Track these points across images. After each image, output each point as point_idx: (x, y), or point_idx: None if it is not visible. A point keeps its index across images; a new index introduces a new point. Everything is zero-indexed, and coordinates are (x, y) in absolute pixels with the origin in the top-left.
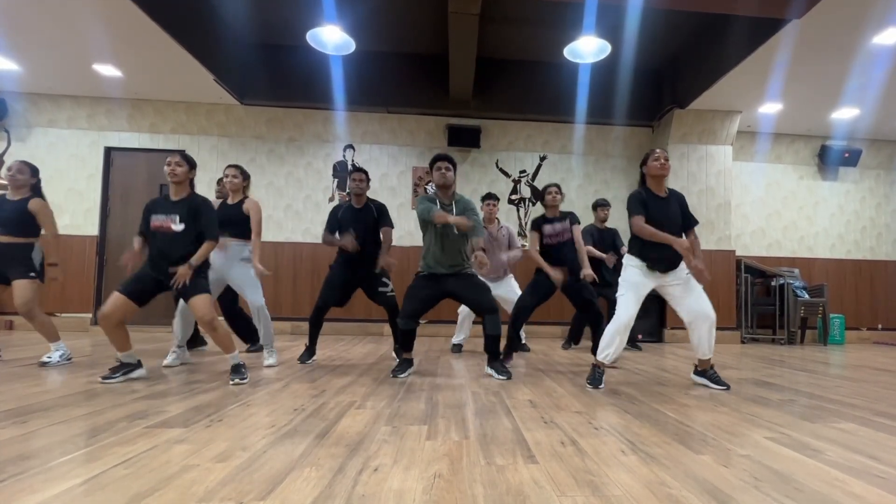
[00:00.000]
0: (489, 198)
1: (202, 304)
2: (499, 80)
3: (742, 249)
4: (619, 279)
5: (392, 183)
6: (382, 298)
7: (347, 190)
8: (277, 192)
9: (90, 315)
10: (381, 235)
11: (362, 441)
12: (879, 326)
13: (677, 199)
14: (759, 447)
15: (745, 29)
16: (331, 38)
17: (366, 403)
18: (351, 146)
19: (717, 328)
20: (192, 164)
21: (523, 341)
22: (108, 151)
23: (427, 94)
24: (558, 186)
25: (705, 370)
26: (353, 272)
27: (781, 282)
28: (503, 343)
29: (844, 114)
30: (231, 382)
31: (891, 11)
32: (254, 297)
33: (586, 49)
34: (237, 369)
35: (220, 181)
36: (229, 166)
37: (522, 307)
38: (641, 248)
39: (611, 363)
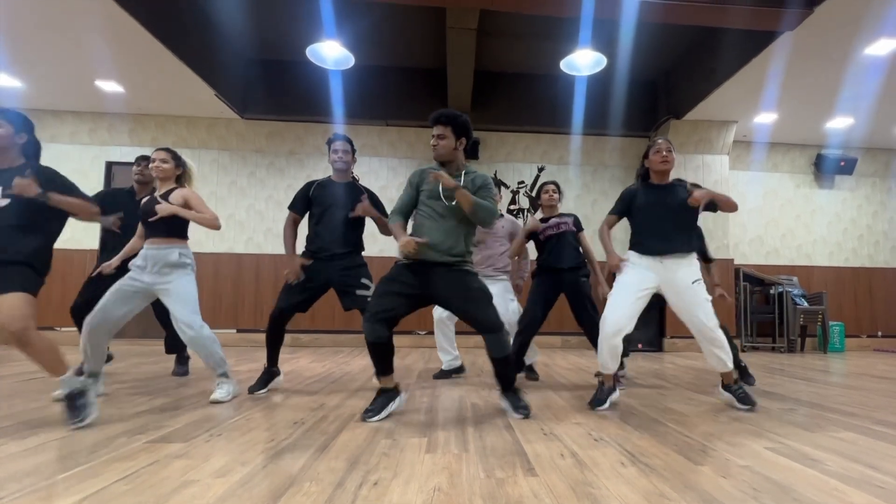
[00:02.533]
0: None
1: (13, 304)
2: (497, 93)
3: (740, 258)
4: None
5: (392, 195)
6: (363, 303)
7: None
8: (278, 205)
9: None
10: (379, 229)
11: (362, 454)
12: (879, 333)
13: (685, 189)
14: (759, 458)
15: (739, 41)
16: (330, 53)
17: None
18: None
19: None
20: (19, 125)
21: (532, 361)
22: (110, 166)
23: (426, 107)
24: (557, 185)
25: (728, 385)
26: (325, 266)
27: (780, 290)
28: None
29: (839, 123)
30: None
31: (881, 23)
32: (185, 314)
33: (582, 62)
34: (72, 403)
35: (137, 161)
36: (158, 149)
37: (531, 321)
38: (635, 237)
39: (615, 376)
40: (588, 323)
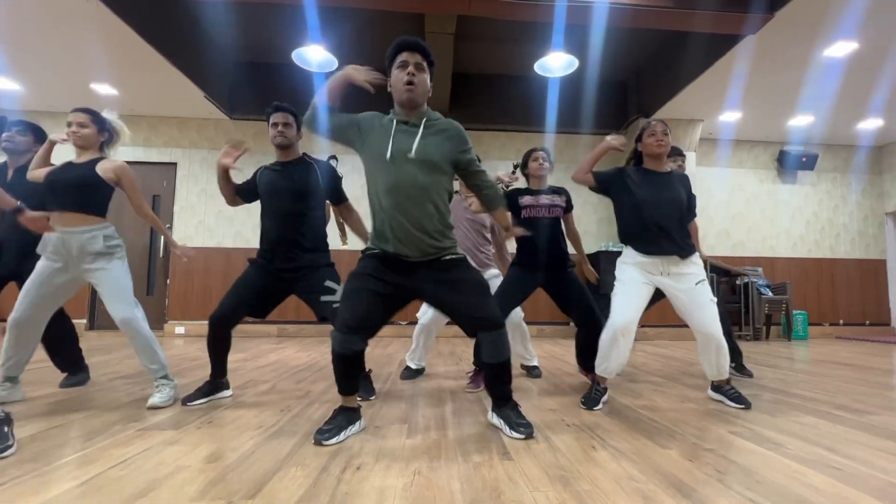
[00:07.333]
0: None
1: None
2: (474, 94)
3: (708, 250)
4: (615, 279)
5: None
6: (327, 310)
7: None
8: None
9: (84, 321)
10: (342, 217)
11: (345, 441)
12: (841, 322)
13: (681, 181)
14: (724, 441)
15: (704, 44)
16: (315, 56)
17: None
18: (334, 156)
19: (687, 325)
20: None
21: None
22: None
23: None
24: (547, 152)
25: (720, 386)
26: (279, 269)
27: (746, 280)
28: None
29: (800, 121)
30: None
31: (838, 27)
32: (119, 308)
33: (555, 64)
34: None
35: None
36: (76, 110)
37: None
38: (625, 230)
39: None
40: (592, 321)
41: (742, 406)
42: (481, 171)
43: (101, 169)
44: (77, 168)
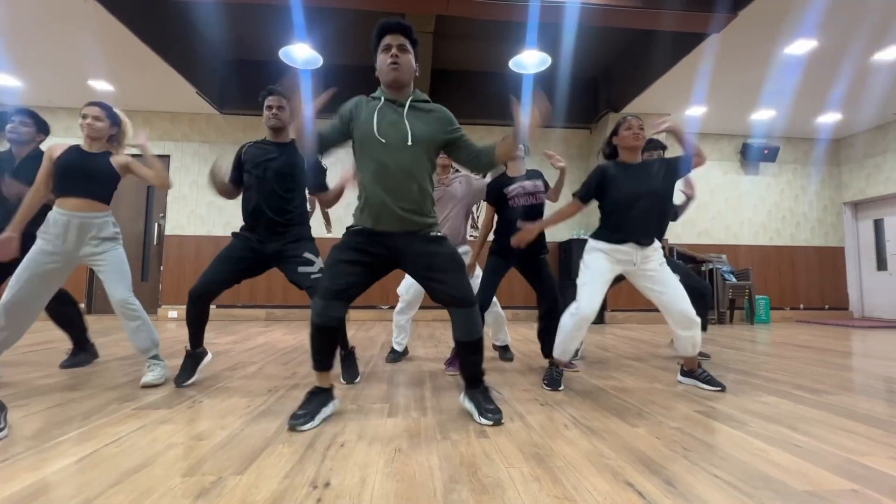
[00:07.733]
0: None
1: None
2: (452, 90)
3: (674, 238)
4: (581, 263)
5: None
6: (305, 281)
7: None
8: None
9: (82, 305)
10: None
11: (330, 419)
12: (801, 306)
13: (660, 167)
14: (689, 420)
15: (671, 42)
16: (301, 54)
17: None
18: None
19: (655, 309)
20: None
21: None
22: None
23: None
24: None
25: (692, 370)
26: (260, 242)
27: (711, 267)
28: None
29: (762, 115)
30: None
31: (799, 26)
32: (117, 290)
33: (529, 61)
34: None
35: (9, 117)
36: (91, 104)
37: (483, 301)
38: (609, 229)
39: (568, 362)
40: (552, 302)
41: (717, 389)
42: (471, 143)
43: (114, 162)
44: (92, 158)
